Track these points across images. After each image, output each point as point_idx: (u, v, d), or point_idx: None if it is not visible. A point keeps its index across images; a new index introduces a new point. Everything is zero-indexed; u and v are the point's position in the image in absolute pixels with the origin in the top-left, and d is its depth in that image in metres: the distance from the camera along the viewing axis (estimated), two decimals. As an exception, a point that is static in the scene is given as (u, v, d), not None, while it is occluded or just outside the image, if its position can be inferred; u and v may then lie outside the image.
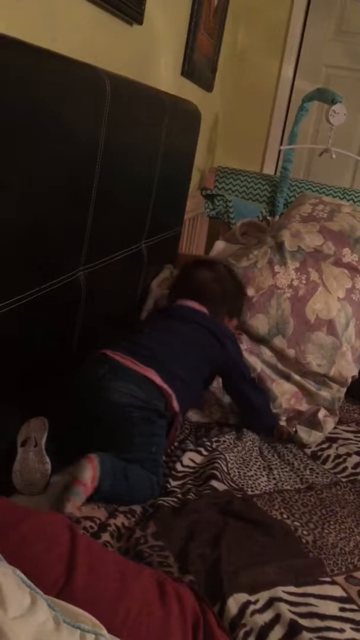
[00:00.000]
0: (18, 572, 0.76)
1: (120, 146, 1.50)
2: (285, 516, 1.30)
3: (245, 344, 1.77)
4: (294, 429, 1.64)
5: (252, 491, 1.37)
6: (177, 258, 2.40)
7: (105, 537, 1.14)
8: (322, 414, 1.70)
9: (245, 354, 1.74)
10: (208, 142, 3.14)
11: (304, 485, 1.43)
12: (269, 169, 3.36)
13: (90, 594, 0.84)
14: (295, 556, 1.17)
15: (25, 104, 1.06)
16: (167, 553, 1.10)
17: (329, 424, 1.71)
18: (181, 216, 2.39)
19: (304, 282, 1.84)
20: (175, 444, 1.49)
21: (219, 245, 2.16)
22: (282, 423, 1.69)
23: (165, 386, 1.38)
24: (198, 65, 2.57)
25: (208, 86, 2.85)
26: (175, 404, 1.40)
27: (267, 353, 1.80)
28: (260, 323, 1.80)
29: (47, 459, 1.24)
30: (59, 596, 0.82)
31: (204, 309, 1.63)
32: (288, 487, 1.42)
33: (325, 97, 2.72)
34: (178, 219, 2.35)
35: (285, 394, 1.75)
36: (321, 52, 3.29)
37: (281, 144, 3.27)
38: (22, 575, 0.75)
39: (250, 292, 1.81)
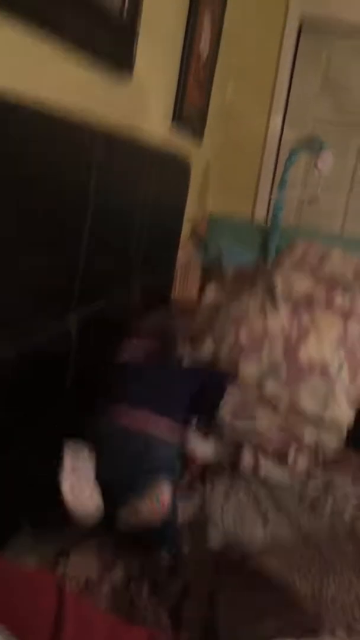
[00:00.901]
0: (4, 632, 0.72)
1: (110, 198, 1.52)
2: (283, 569, 1.25)
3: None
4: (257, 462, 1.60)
5: (248, 543, 1.33)
6: (170, 304, 2.40)
7: (100, 591, 1.09)
8: (293, 449, 1.67)
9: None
10: (199, 190, 3.19)
11: (301, 536, 1.39)
12: (260, 215, 3.41)
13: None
14: (294, 611, 1.12)
15: (13, 159, 1.07)
16: (161, 610, 1.05)
17: (301, 462, 1.66)
18: (173, 263, 2.41)
19: (296, 326, 1.83)
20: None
21: (211, 291, 2.16)
22: (248, 452, 1.64)
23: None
24: (188, 116, 2.63)
25: (198, 137, 2.90)
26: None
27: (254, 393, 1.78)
28: (252, 368, 1.79)
29: None
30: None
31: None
32: (285, 538, 1.37)
33: (312, 146, 2.78)
34: (170, 266, 2.36)
35: (269, 424, 1.72)
36: (308, 105, 3.38)
37: (271, 191, 3.32)
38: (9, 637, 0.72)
39: (242, 337, 1.81)
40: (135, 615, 1.05)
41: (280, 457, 1.63)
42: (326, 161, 2.66)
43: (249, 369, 1.78)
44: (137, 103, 2.06)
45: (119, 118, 1.78)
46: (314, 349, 1.81)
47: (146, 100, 2.15)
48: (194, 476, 1.50)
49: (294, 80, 3.35)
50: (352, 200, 3.35)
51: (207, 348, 1.83)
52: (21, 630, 0.79)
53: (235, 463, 1.59)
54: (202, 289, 3.02)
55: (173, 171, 2.14)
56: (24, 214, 1.13)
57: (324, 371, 1.79)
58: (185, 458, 1.45)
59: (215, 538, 1.31)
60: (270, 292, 1.91)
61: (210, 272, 3.11)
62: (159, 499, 1.16)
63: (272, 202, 3.12)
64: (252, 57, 3.28)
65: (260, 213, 3.43)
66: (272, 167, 3.39)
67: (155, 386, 1.46)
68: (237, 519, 1.41)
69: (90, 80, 1.65)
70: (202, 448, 1.57)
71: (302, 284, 1.93)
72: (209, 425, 1.60)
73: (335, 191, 3.24)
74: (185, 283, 3.02)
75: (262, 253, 3.10)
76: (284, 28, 3.24)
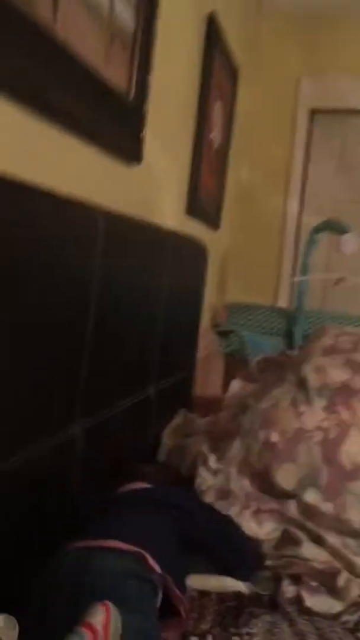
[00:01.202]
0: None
1: (117, 286, 1.37)
2: None
3: (262, 504, 1.51)
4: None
5: None
6: (191, 401, 2.21)
7: None
8: (343, 577, 1.39)
9: (262, 518, 1.48)
10: (218, 278, 3.07)
11: None
12: (282, 303, 3.26)
13: None
14: None
15: (8, 243, 0.93)
16: None
17: (354, 590, 1.37)
18: (193, 356, 2.24)
19: (334, 422, 1.62)
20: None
21: (235, 385, 1.97)
22: (289, 585, 1.36)
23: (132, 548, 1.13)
24: (203, 204, 2.55)
25: (214, 224, 2.82)
26: (152, 562, 1.13)
27: (293, 510, 1.54)
28: (288, 474, 1.56)
29: None
30: None
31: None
32: None
33: (334, 228, 2.66)
34: (190, 359, 2.19)
35: (314, 561, 1.45)
36: (325, 187, 3.31)
37: (293, 276, 3.19)
38: None
39: (273, 437, 1.59)
40: None
41: (329, 585, 1.37)
42: (350, 242, 2.54)
43: (284, 477, 1.55)
44: (148, 193, 1.96)
45: (129, 205, 1.67)
46: (357, 447, 1.58)
47: (158, 188, 2.06)
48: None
49: (310, 162, 3.30)
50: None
51: (234, 451, 1.61)
52: None
53: (274, 597, 1.33)
54: (225, 383, 2.83)
55: (189, 256, 2.01)
56: (14, 305, 0.98)
57: (370, 474, 1.55)
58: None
59: None
60: (302, 384, 1.71)
61: (233, 364, 2.93)
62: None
63: (295, 288, 2.97)
64: (267, 142, 3.25)
65: (283, 300, 3.29)
66: (292, 251, 3.28)
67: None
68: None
69: (98, 164, 1.55)
70: (236, 584, 1.33)
71: (338, 374, 1.73)
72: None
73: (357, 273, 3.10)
74: (208, 377, 2.84)
75: (287, 340, 2.93)
76: (295, 113, 3.22)
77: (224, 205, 2.96)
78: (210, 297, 2.82)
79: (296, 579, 1.36)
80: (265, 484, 1.56)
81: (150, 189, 1.97)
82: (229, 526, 1.44)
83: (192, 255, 2.09)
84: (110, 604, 0.93)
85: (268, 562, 1.40)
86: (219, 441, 1.69)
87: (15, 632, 0.97)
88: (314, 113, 3.26)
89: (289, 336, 2.93)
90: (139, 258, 1.51)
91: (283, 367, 2.01)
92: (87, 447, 1.27)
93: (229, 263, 3.21)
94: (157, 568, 1.14)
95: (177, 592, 1.17)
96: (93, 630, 0.88)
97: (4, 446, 1.00)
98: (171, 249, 1.75)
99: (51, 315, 1.10)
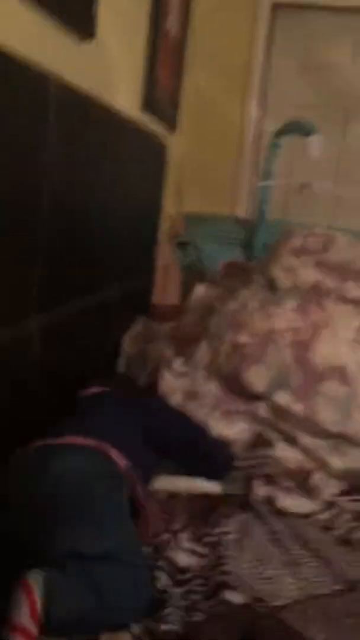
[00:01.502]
0: None
1: (72, 170, 1.21)
2: (328, 635, 0.94)
3: (231, 405, 1.44)
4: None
5: (277, 600, 1.02)
6: (150, 310, 2.10)
7: None
8: (317, 477, 1.35)
9: (232, 419, 1.41)
10: (176, 186, 2.90)
11: (343, 586, 1.08)
12: (240, 213, 3.13)
13: None
14: None
15: None
16: None
17: (327, 490, 1.34)
18: (151, 264, 2.11)
19: (305, 323, 1.54)
20: (165, 537, 1.13)
21: (200, 289, 1.86)
22: (261, 485, 1.32)
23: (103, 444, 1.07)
24: (160, 102, 2.35)
25: (171, 125, 2.62)
26: (116, 456, 1.07)
27: (263, 412, 1.48)
28: (257, 376, 1.49)
29: None
30: None
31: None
32: (323, 590, 1.06)
33: (298, 129, 2.52)
34: (148, 267, 2.06)
35: (287, 461, 1.40)
36: (287, 91, 3.13)
37: (252, 185, 3.06)
38: None
39: (242, 339, 1.51)
40: None
41: (301, 486, 1.32)
42: (316, 144, 2.41)
43: (255, 379, 1.47)
44: (102, 76, 1.76)
45: (81, 82, 1.48)
46: (328, 348, 1.51)
47: (111, 74, 1.86)
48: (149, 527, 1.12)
49: (271, 65, 3.10)
50: (340, 188, 3.09)
51: (201, 353, 1.52)
52: None
53: (246, 498, 1.27)
54: (183, 295, 2.73)
55: (148, 152, 1.85)
56: None
57: (342, 375, 1.50)
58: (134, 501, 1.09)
59: (234, 596, 1.00)
60: (271, 285, 1.62)
61: (191, 276, 2.82)
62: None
63: (256, 195, 2.84)
64: (225, 40, 3.02)
65: (241, 210, 3.15)
66: (251, 159, 3.12)
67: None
68: (258, 567, 1.10)
69: (45, 35, 1.35)
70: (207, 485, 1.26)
71: (308, 274, 1.64)
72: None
73: (321, 180, 2.98)
74: (165, 289, 2.72)
75: (247, 251, 2.82)
76: (255, 7, 2.99)
77: (180, 108, 2.76)
78: (167, 207, 2.67)
79: (269, 480, 1.31)
80: (234, 386, 1.49)
81: (104, 71, 1.77)
82: (197, 427, 1.37)
83: (151, 152, 1.93)
84: (29, 581, 0.82)
85: (240, 463, 1.34)
86: (184, 345, 1.60)
87: None
88: (276, 8, 3.03)
89: (248, 247, 2.82)
90: (95, 140, 1.34)
91: (249, 272, 1.91)
92: (44, 346, 1.14)
93: (186, 171, 3.03)
94: (121, 462, 1.05)
95: (141, 491, 1.09)
96: (23, 630, 0.79)
97: None
98: (129, 140, 1.59)
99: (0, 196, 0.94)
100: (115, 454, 1.07)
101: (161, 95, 2.37)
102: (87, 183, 1.32)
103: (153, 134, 1.97)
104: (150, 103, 2.20)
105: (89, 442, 1.05)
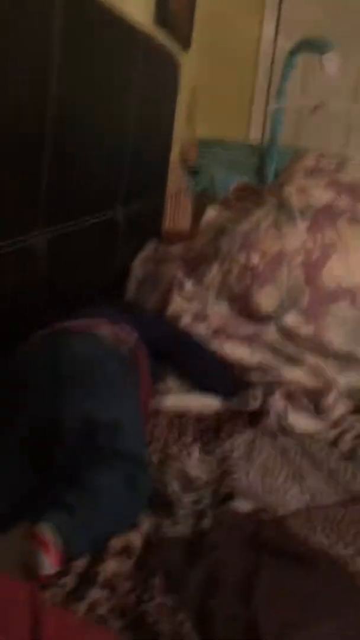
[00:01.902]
0: None
1: (80, 81, 1.17)
2: (331, 542, 0.96)
3: (238, 329, 1.43)
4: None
5: (282, 510, 1.04)
6: (161, 235, 2.08)
7: (94, 594, 0.80)
8: (331, 396, 1.35)
9: (236, 342, 1.41)
10: (188, 110, 2.81)
11: (348, 497, 1.10)
12: (254, 137, 3.03)
13: None
14: (356, 604, 0.83)
15: None
16: (182, 616, 0.76)
17: (339, 409, 1.35)
18: (162, 187, 2.07)
19: (318, 243, 1.51)
20: (175, 449, 1.14)
21: (211, 212, 1.83)
22: (280, 401, 1.32)
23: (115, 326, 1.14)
24: (173, 15, 2.24)
25: (185, 42, 2.51)
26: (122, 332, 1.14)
27: (272, 334, 1.46)
28: (268, 297, 1.47)
29: None
30: None
31: None
32: (328, 501, 1.08)
33: (314, 46, 2.40)
34: (159, 190, 2.02)
35: (296, 382, 1.40)
36: (303, 8, 2.97)
37: (266, 108, 2.95)
38: None
39: (254, 259, 1.48)
40: (144, 622, 0.76)
41: (309, 405, 1.33)
42: (333, 62, 2.30)
43: (265, 300, 1.46)
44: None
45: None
46: (340, 269, 1.49)
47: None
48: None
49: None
50: (358, 107, 2.97)
51: (212, 275, 1.50)
52: None
53: (256, 414, 1.28)
54: (194, 222, 2.68)
55: (161, 67, 1.77)
56: None
57: (353, 297, 1.48)
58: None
59: (241, 504, 1.02)
60: (284, 205, 1.58)
61: (202, 202, 2.77)
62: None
63: (269, 117, 2.75)
64: None
65: (255, 134, 3.06)
66: (266, 80, 3.00)
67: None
68: (266, 478, 1.11)
69: None
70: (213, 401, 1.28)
71: (322, 194, 1.60)
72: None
73: (336, 100, 2.86)
74: (176, 215, 2.68)
75: (259, 177, 2.76)
76: None
77: (194, 26, 2.64)
78: (179, 132, 2.59)
79: (280, 397, 1.31)
80: (244, 307, 1.48)
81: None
82: (204, 348, 1.37)
83: (164, 69, 1.85)
84: (44, 535, 0.80)
85: (249, 380, 1.34)
86: (195, 266, 1.59)
87: None
88: None
89: (261, 173, 2.75)
90: (105, 50, 1.29)
91: (261, 193, 1.86)
92: (51, 261, 1.13)
93: (198, 94, 2.93)
94: (132, 335, 1.12)
95: (146, 365, 1.15)
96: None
97: None
98: (142, 54, 1.52)
99: (5, 104, 0.91)
100: (125, 328, 1.12)
101: (175, 9, 2.26)
102: (95, 97, 1.27)
103: (166, 50, 1.88)
104: (163, 17, 2.10)
105: (102, 323, 1.10)
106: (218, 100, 2.95)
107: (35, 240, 1.09)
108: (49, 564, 0.79)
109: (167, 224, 2.38)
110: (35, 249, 1.08)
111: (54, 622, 0.59)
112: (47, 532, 0.80)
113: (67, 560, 0.82)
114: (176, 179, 2.55)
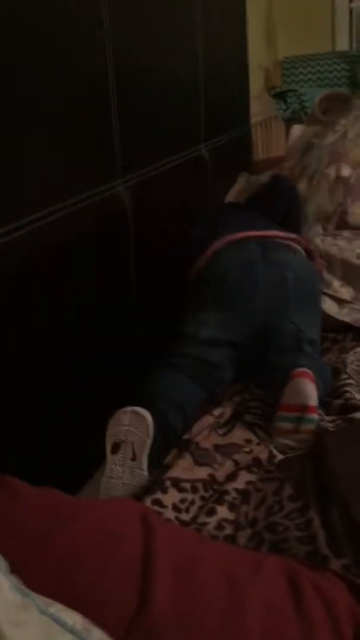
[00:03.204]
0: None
1: (136, 11, 1.15)
2: None
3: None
4: None
5: None
6: (251, 165, 2.02)
7: (222, 512, 0.83)
8: None
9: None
10: (266, 32, 2.68)
11: None
12: (342, 46, 2.83)
13: (179, 617, 0.53)
14: None
15: None
16: (312, 515, 0.76)
17: None
18: (245, 113, 2.00)
19: None
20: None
21: (296, 130, 1.75)
22: None
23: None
24: None
25: None
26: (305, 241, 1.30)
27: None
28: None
29: (146, 475, 0.91)
30: (132, 628, 0.52)
31: None
32: None
33: None
34: (242, 117, 1.96)
35: None
36: None
37: (351, 15, 2.74)
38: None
39: (345, 171, 1.41)
40: (274, 533, 0.77)
41: None
42: None
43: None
44: None
45: None
46: None
47: None
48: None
49: None
50: None
51: (301, 191, 1.45)
52: (92, 595, 0.54)
53: None
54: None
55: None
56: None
57: None
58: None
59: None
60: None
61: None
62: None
63: (355, 22, 2.55)
64: None
65: (342, 43, 2.86)
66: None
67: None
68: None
69: None
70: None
71: None
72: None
73: None
74: (268, 145, 2.59)
75: (353, 89, 2.58)
76: None
77: None
78: (259, 56, 2.48)
79: None
80: (338, 225, 1.42)
81: None
82: None
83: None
84: (306, 370, 0.98)
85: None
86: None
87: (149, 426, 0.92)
88: None
89: (354, 83, 2.57)
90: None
91: (349, 102, 1.75)
92: (135, 207, 1.15)
93: (275, 11, 2.77)
94: (307, 244, 1.28)
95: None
96: (316, 410, 0.96)
97: (55, 197, 0.92)
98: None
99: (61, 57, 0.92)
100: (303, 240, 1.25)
101: None
102: (153, 32, 1.25)
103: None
104: None
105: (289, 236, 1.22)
106: (297, 12, 2.77)
107: (117, 187, 1.11)
108: (314, 394, 0.95)
109: (260, 154, 2.31)
110: (120, 197, 1.11)
111: (168, 535, 0.62)
112: (305, 367, 0.99)
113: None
114: (263, 106, 2.46)
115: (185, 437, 0.98)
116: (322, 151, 1.46)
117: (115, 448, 0.90)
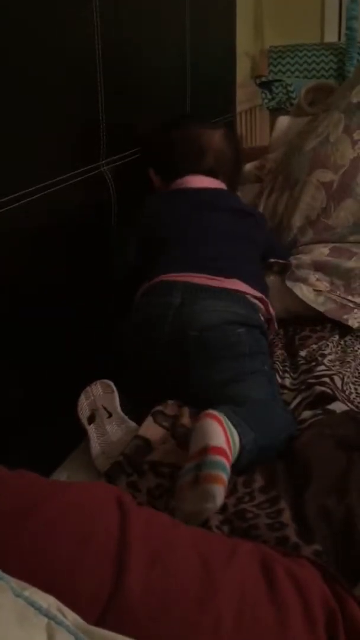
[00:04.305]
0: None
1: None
2: None
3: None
4: None
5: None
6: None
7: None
8: None
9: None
10: (254, 20, 2.67)
11: None
12: (330, 38, 2.83)
13: (154, 600, 0.54)
14: None
15: None
16: (282, 505, 0.77)
17: None
18: (231, 103, 1.99)
19: None
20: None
21: (283, 121, 1.75)
22: None
23: (256, 293, 1.09)
24: None
25: None
26: (271, 308, 1.14)
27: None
28: (348, 212, 1.40)
29: (134, 424, 0.94)
30: (107, 610, 0.52)
31: (222, 185, 1.25)
32: None
33: None
34: (227, 106, 1.95)
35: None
36: None
37: (340, 5, 2.74)
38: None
39: (327, 177, 1.40)
40: (243, 520, 0.77)
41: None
42: None
43: (344, 216, 1.40)
44: None
45: None
46: None
47: None
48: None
49: None
50: None
51: (283, 205, 1.45)
52: (66, 577, 0.54)
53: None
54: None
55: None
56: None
57: None
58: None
59: (336, 406, 1.01)
60: (356, 108, 1.48)
61: (279, 115, 2.65)
62: None
63: (344, 13, 2.55)
64: None
65: (331, 35, 2.85)
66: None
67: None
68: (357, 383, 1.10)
69: None
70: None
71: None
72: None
73: None
74: (253, 134, 2.59)
75: (339, 81, 2.59)
76: None
77: None
78: (246, 45, 2.47)
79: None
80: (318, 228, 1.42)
81: None
82: None
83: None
84: (216, 413, 0.83)
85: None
86: (270, 192, 1.53)
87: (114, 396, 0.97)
88: None
89: (340, 75, 2.58)
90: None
91: (335, 94, 1.75)
92: (117, 185, 1.15)
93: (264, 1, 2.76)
94: (255, 294, 1.10)
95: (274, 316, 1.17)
96: (222, 452, 0.79)
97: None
98: None
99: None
100: (247, 289, 1.07)
101: None
102: (143, 17, 1.24)
103: None
104: None
105: (223, 282, 1.05)
106: (287, 1, 2.76)
107: (101, 170, 1.10)
108: (220, 437, 0.80)
109: (243, 143, 2.31)
110: (102, 177, 1.10)
111: (143, 518, 0.62)
112: (217, 411, 0.83)
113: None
114: (248, 95, 2.45)
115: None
116: (304, 158, 1.44)
117: (91, 419, 0.95)
